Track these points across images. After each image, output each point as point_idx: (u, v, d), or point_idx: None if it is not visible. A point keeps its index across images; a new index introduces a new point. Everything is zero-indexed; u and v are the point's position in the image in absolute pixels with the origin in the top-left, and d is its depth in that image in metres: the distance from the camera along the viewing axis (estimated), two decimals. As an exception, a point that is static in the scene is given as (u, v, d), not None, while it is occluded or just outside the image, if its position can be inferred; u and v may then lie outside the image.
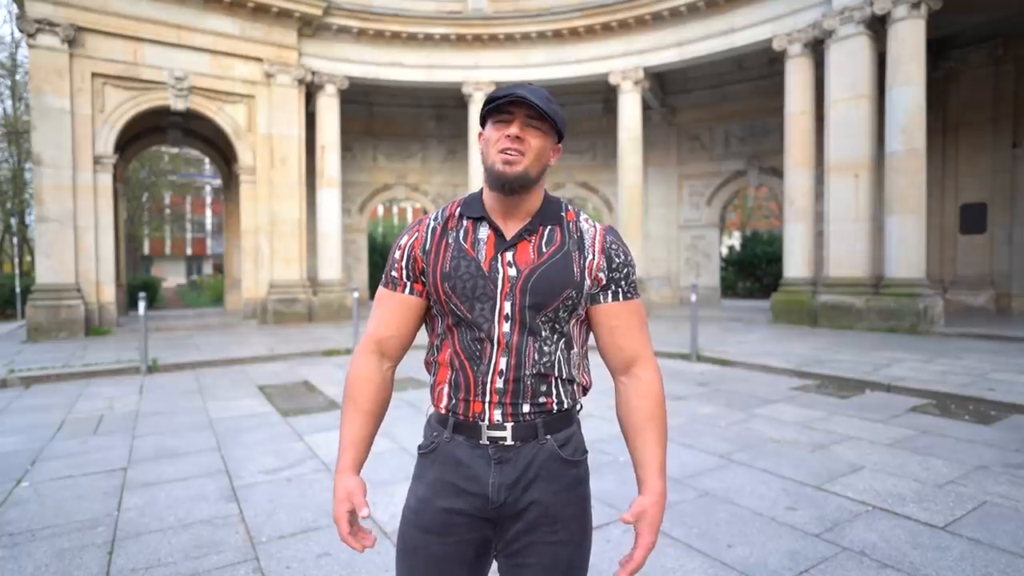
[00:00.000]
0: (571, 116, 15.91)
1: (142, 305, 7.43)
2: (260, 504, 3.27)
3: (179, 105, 11.92)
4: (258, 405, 5.74)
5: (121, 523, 3.03)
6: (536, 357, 1.16)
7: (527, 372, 1.15)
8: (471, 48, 14.20)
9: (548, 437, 1.18)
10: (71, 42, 10.63)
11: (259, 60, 12.60)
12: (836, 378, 6.42)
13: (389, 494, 3.35)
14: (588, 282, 1.18)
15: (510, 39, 14.07)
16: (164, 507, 3.24)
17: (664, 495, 1.17)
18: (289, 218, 13.09)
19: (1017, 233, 12.47)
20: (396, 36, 13.78)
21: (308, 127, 13.57)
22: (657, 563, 2.55)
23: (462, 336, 1.17)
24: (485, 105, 1.15)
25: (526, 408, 1.16)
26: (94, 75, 11.03)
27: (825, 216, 11.28)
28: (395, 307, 1.23)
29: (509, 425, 1.16)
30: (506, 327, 1.14)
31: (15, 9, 11.43)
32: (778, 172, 14.22)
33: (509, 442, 1.16)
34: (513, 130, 1.12)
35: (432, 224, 1.22)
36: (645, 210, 15.44)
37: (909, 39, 9.93)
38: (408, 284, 1.22)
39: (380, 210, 30.61)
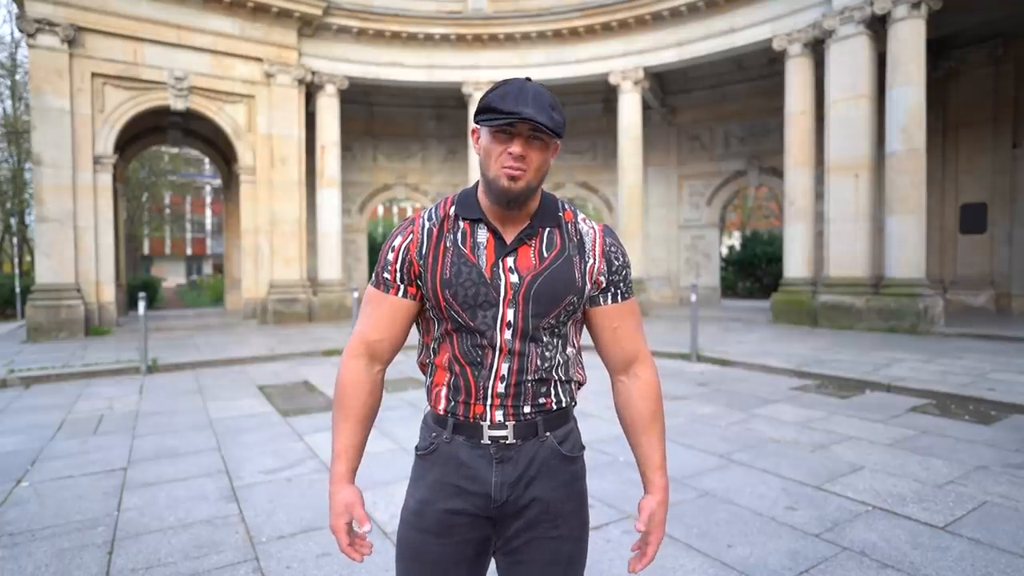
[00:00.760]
0: (571, 116, 15.90)
1: (142, 305, 7.43)
2: (260, 504, 3.27)
3: (179, 105, 11.92)
4: (258, 405, 5.74)
5: (121, 523, 3.03)
6: (538, 363, 1.16)
7: (529, 378, 1.15)
8: (471, 48, 14.21)
9: (548, 434, 1.19)
10: (71, 42, 10.63)
11: (259, 60, 12.60)
12: (836, 378, 6.42)
13: (389, 494, 3.35)
14: (589, 286, 1.18)
15: (510, 39, 14.07)
16: (164, 507, 3.24)
17: (667, 490, 1.24)
18: (289, 218, 13.09)
19: (1017, 233, 12.47)
20: (396, 36, 13.78)
21: (308, 127, 13.57)
22: (657, 563, 2.55)
23: (462, 341, 1.16)
24: (484, 112, 1.09)
25: (527, 408, 1.17)
26: (94, 75, 11.04)
27: (825, 216, 11.28)
28: (387, 309, 1.20)
29: (511, 424, 1.16)
30: (508, 334, 1.13)
31: (15, 9, 11.42)
32: (778, 172, 14.22)
33: (510, 441, 1.16)
34: (516, 149, 1.08)
35: (427, 225, 1.18)
36: (645, 210, 15.44)
37: (909, 39, 9.93)
38: (401, 287, 1.19)
39: (380, 210, 30.60)
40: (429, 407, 1.24)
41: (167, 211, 34.36)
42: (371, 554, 1.19)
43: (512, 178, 1.09)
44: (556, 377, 1.19)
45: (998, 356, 7.50)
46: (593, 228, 1.22)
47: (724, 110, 15.86)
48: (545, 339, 1.16)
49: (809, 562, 2.55)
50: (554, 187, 17.08)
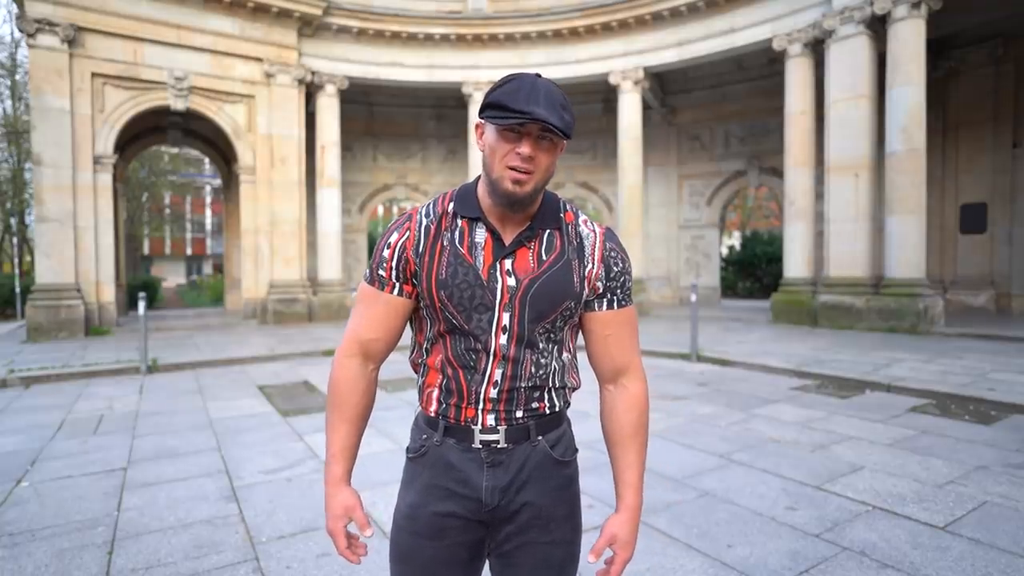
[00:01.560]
0: (571, 116, 15.87)
1: (142, 305, 7.43)
2: (260, 504, 3.27)
3: (179, 105, 11.92)
4: (258, 405, 5.73)
5: (121, 523, 3.03)
6: (533, 370, 1.13)
7: (523, 384, 1.13)
8: (471, 48, 14.21)
9: (540, 438, 1.17)
10: (71, 42, 10.63)
11: (259, 60, 12.60)
12: (836, 378, 6.42)
13: (389, 494, 3.34)
14: (586, 291, 1.16)
15: (510, 39, 14.07)
16: (164, 507, 3.24)
17: (639, 510, 1.20)
18: (289, 218, 13.09)
19: (1017, 233, 12.47)
20: (396, 36, 13.78)
21: (308, 127, 13.57)
22: (657, 563, 2.55)
23: (455, 344, 1.13)
24: (492, 108, 1.04)
25: (519, 413, 1.15)
26: (94, 75, 11.04)
27: (825, 216, 11.28)
28: (382, 308, 1.17)
29: (502, 428, 1.14)
30: (503, 339, 1.11)
31: (15, 9, 11.42)
32: (778, 172, 14.22)
33: (502, 445, 1.14)
34: (525, 150, 1.04)
35: (425, 222, 1.14)
36: (645, 210, 15.44)
37: (909, 39, 9.93)
38: (397, 285, 1.15)
39: (380, 210, 30.57)
40: (420, 408, 1.22)
41: (167, 211, 34.37)
42: (367, 555, 1.18)
43: (518, 182, 1.05)
44: (550, 384, 1.17)
45: (998, 356, 7.50)
46: (594, 231, 1.18)
47: (724, 110, 15.86)
48: (541, 344, 1.14)
49: (809, 562, 2.55)
50: (554, 187, 17.07)
